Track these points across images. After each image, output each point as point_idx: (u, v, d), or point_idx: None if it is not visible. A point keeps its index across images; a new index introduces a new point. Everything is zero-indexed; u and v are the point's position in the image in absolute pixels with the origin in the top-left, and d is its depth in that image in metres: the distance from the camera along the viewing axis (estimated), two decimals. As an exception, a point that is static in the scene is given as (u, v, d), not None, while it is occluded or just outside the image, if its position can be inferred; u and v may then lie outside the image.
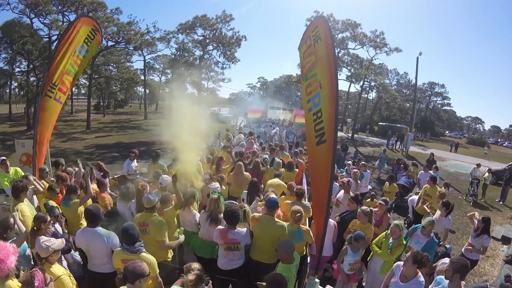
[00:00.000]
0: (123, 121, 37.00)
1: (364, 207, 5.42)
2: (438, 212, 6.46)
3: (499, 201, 13.83)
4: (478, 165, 15.23)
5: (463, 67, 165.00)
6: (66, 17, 24.68)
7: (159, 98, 72.10)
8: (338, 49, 30.82)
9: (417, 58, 27.54)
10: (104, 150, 18.95)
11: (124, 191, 5.26)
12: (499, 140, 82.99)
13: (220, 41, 25.94)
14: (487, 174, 14.45)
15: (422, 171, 11.14)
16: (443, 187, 8.50)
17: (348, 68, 33.11)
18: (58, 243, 3.16)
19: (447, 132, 74.79)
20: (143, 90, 48.00)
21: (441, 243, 5.74)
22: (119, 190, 5.56)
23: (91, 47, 7.32)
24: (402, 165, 14.71)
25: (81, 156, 16.92)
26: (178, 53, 31.78)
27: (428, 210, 7.33)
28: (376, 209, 6.16)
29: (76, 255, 4.35)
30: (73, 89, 46.77)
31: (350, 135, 36.03)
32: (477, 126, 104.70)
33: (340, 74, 32.93)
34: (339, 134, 30.37)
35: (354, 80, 33.54)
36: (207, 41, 26.21)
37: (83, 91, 48.85)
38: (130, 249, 3.47)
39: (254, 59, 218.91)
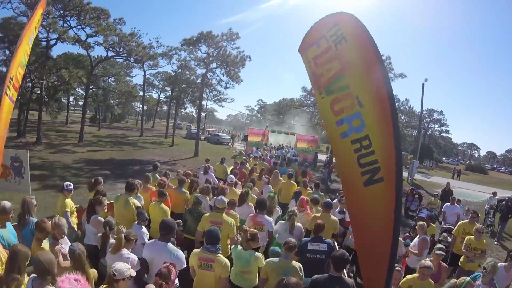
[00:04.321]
0: (118, 136, 35.82)
1: (424, 261, 4.34)
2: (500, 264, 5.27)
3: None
4: (495, 194, 14.45)
5: (458, 93, 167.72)
6: (68, 22, 23.92)
7: (157, 115, 72.17)
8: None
9: (423, 84, 27.07)
10: (94, 166, 17.61)
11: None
12: (495, 166, 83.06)
13: (224, 60, 25.14)
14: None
15: (448, 204, 10.06)
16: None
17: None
18: (132, 270, 3.14)
19: (444, 158, 74.49)
20: (141, 105, 47.25)
21: None
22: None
23: (35, 34, 6.11)
24: (416, 196, 13.55)
25: (69, 171, 15.67)
26: (179, 70, 30.99)
27: (473, 254, 6.39)
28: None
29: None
30: (71, 99, 46.22)
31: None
32: (473, 152, 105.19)
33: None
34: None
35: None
36: (210, 58, 25.39)
37: (80, 102, 47.75)
38: (210, 249, 3.85)
39: (254, 82, 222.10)
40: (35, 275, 2.83)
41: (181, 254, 3.95)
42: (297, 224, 5.56)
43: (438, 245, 5.44)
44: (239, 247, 4.30)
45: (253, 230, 4.44)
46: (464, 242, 6.66)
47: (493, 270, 4.33)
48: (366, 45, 3.02)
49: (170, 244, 3.98)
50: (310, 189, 9.06)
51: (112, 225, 4.43)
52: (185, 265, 3.94)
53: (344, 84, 3.29)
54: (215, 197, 6.00)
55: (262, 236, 5.15)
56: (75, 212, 5.87)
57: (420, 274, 4.32)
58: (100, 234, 4.51)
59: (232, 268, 4.15)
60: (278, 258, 4.08)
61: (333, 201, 8.49)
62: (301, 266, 4.08)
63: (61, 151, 20.93)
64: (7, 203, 4.11)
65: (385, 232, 2.91)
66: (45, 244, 3.91)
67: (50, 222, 3.94)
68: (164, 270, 3.16)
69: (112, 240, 4.27)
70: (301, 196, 6.91)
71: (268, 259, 4.16)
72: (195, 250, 4.02)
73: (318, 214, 6.04)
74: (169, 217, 5.43)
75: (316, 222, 4.98)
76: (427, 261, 4.38)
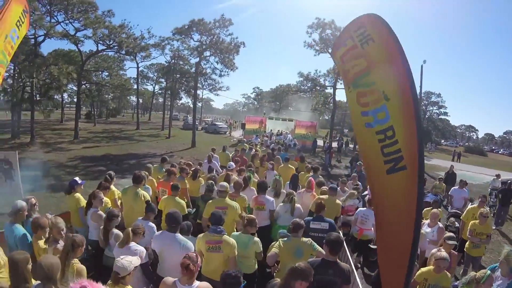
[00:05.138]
0: (114, 130, 35.31)
1: (439, 252, 4.12)
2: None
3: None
4: (498, 176, 14.47)
5: (456, 76, 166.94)
6: (55, 17, 23.17)
7: (153, 107, 71.61)
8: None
9: (422, 66, 26.35)
10: (89, 163, 17.23)
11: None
12: (493, 147, 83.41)
13: (218, 47, 24.55)
14: None
15: (456, 187, 9.76)
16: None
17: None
18: (135, 259, 3.16)
19: (442, 141, 74.45)
20: (136, 99, 46.69)
21: None
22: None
23: (21, 32, 5.73)
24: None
25: (64, 170, 15.27)
26: (173, 61, 30.37)
27: (478, 239, 6.25)
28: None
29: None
30: (65, 96, 45.60)
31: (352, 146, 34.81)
32: (471, 134, 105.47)
33: (340, 83, 31.82)
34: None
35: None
36: (204, 47, 24.79)
37: (75, 99, 47.30)
38: (217, 230, 4.00)
39: (250, 69, 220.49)
40: (38, 281, 2.79)
41: (190, 244, 3.99)
42: (296, 205, 5.85)
43: (449, 234, 5.14)
44: (238, 232, 4.45)
45: (251, 215, 4.61)
46: (468, 228, 6.48)
47: (508, 261, 4.02)
48: (391, 44, 3.23)
49: (178, 235, 4.03)
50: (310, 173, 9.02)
51: (115, 215, 4.45)
52: None
53: (370, 80, 3.50)
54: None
55: (264, 216, 5.69)
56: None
57: (435, 266, 4.04)
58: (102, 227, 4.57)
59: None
60: (287, 238, 4.17)
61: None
62: (311, 240, 4.20)
63: (56, 150, 20.48)
64: (21, 202, 4.21)
65: (407, 221, 2.93)
66: (43, 242, 3.85)
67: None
68: (192, 254, 3.18)
69: (116, 231, 4.36)
70: (310, 178, 7.29)
71: (279, 240, 4.19)
72: (200, 235, 4.13)
73: (324, 197, 6.22)
74: (186, 211, 5.73)
75: (317, 202, 5.28)
76: (443, 252, 4.08)
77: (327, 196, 6.29)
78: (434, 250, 4.61)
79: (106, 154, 20.26)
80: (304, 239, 4.19)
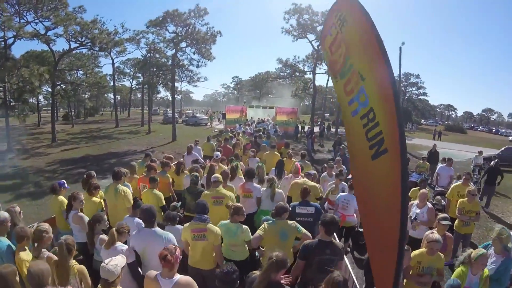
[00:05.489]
0: (93, 130, 34.33)
1: (431, 234, 4.12)
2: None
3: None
4: (480, 153, 14.87)
5: (434, 56, 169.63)
6: (24, 17, 22.07)
7: (131, 103, 70.00)
8: (319, 42, 29.58)
9: (400, 48, 26.52)
10: (69, 165, 16.73)
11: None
12: (472, 125, 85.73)
13: (194, 38, 24.06)
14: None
15: (443, 165, 9.88)
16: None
17: (326, 62, 31.88)
18: (120, 259, 3.02)
19: (422, 120, 76.10)
20: (113, 96, 45.56)
21: None
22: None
23: None
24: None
25: (43, 175, 14.78)
26: (149, 54, 29.65)
27: (467, 217, 6.27)
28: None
29: None
30: (41, 98, 44.05)
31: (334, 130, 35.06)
32: (450, 113, 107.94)
33: (320, 68, 31.84)
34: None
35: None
36: (179, 38, 24.26)
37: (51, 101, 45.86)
38: (201, 218, 4.05)
39: (228, 58, 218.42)
40: None
41: (171, 236, 3.92)
42: (277, 190, 5.94)
43: (443, 215, 5.10)
44: (226, 221, 4.41)
45: (237, 204, 4.59)
46: (457, 206, 6.51)
47: (501, 239, 4.05)
48: (362, 21, 2.98)
49: (157, 229, 3.94)
50: (294, 160, 8.97)
51: (98, 220, 4.36)
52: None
53: (350, 63, 3.32)
54: (204, 175, 6.66)
55: (251, 203, 5.77)
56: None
57: (428, 249, 4.03)
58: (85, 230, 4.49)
59: (222, 242, 4.27)
60: (272, 221, 4.22)
61: (322, 175, 8.26)
62: (296, 223, 4.25)
63: (34, 155, 19.75)
64: (3, 213, 4.07)
65: (393, 207, 2.70)
66: (28, 253, 3.68)
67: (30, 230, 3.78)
68: (170, 245, 3.14)
69: (102, 236, 4.23)
70: (296, 163, 7.28)
71: (264, 223, 4.27)
72: (186, 224, 4.15)
73: (300, 180, 6.22)
74: (164, 202, 5.77)
75: (302, 187, 5.23)
76: (435, 234, 4.08)
77: (303, 179, 6.27)
78: (427, 232, 4.59)
79: (85, 155, 19.73)
80: (289, 222, 4.23)
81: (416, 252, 4.18)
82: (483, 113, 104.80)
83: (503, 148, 20.12)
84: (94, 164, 16.96)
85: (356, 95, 3.21)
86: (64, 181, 5.77)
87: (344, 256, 4.62)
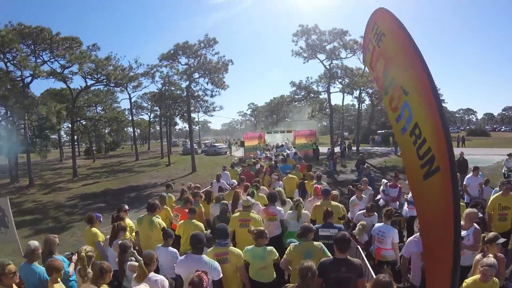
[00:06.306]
0: (113, 164, 34.96)
1: (486, 259, 3.60)
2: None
3: None
4: (510, 155, 13.74)
5: (449, 60, 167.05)
6: (40, 57, 23.13)
7: (151, 136, 71.33)
8: (330, 61, 29.54)
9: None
10: (89, 200, 16.80)
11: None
12: (495, 126, 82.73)
13: (206, 68, 24.44)
14: None
15: (470, 175, 9.22)
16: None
17: (339, 81, 31.65)
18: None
19: (443, 129, 73.98)
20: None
21: None
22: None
23: None
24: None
25: (63, 210, 14.85)
26: (164, 87, 30.29)
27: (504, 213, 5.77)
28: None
29: None
30: (62, 134, 45.58)
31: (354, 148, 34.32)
32: (470, 116, 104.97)
33: (333, 87, 31.60)
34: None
35: (348, 90, 32.03)
36: (192, 69, 24.69)
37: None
38: (222, 243, 4.21)
39: (243, 86, 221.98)
40: None
41: (217, 264, 3.95)
42: (303, 211, 5.92)
43: (493, 233, 4.35)
44: (251, 246, 4.40)
45: (259, 228, 4.59)
46: (491, 201, 6.11)
47: None
48: (399, 33, 2.98)
49: (205, 256, 4.01)
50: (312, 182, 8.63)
51: (128, 246, 4.44)
52: (221, 275, 3.94)
53: (390, 78, 3.30)
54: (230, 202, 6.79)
55: (276, 225, 5.88)
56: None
57: (482, 275, 3.50)
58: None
59: (250, 266, 4.36)
60: (298, 242, 4.27)
61: (351, 199, 7.65)
62: (322, 245, 4.22)
63: (55, 190, 20.12)
64: (34, 242, 4.24)
65: (446, 226, 2.55)
66: (61, 285, 3.79)
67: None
68: (196, 279, 3.22)
69: (131, 263, 4.17)
70: (315, 185, 7.32)
71: (291, 244, 4.33)
72: (209, 250, 4.26)
73: (318, 203, 6.24)
74: (205, 230, 5.67)
75: (325, 210, 5.20)
76: (490, 258, 3.53)
77: (320, 201, 6.25)
78: (478, 256, 4.00)
79: (105, 189, 19.86)
80: (315, 243, 4.24)
81: (468, 281, 3.64)
82: (503, 112, 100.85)
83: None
84: (113, 198, 16.97)
85: (401, 111, 3.17)
86: (100, 214, 5.99)
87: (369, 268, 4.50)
